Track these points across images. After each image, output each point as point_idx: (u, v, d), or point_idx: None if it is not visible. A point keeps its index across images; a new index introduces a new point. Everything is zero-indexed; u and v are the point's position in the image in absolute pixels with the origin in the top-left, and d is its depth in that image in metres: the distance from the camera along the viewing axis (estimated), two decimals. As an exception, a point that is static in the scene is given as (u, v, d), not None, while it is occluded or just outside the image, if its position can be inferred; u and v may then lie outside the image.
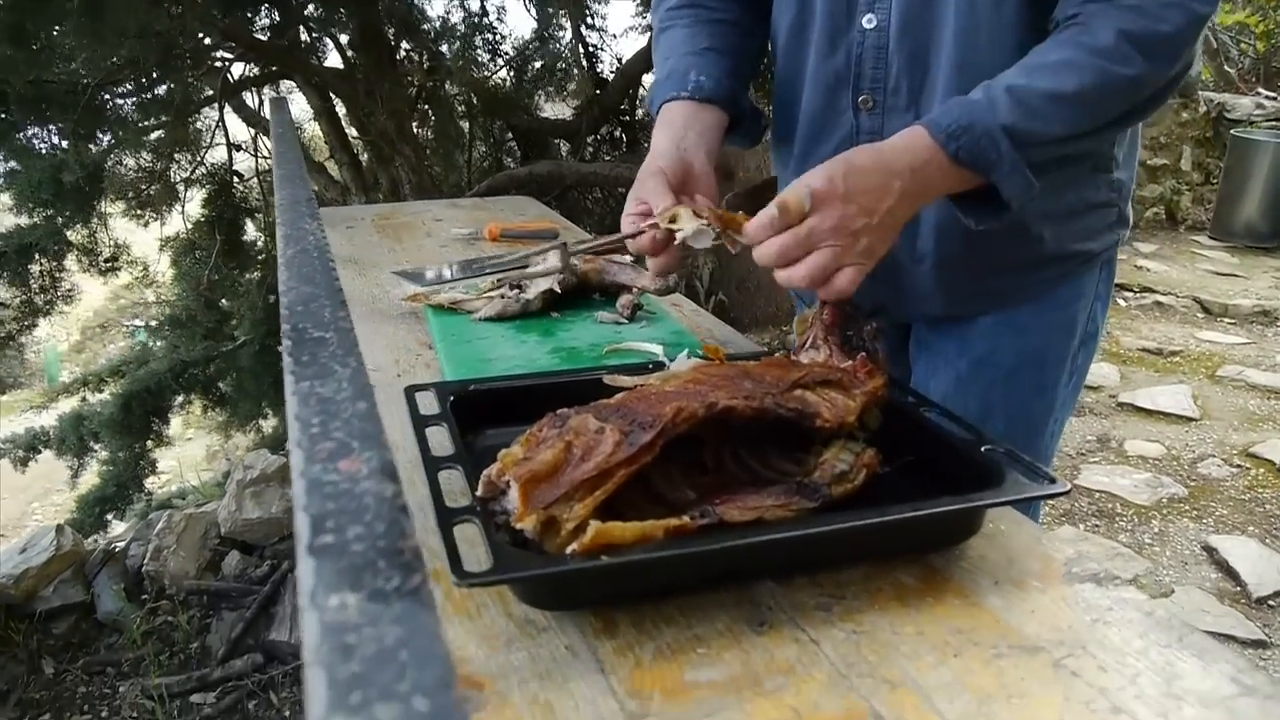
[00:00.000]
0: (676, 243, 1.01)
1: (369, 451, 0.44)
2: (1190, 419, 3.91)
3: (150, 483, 5.01)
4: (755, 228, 0.94)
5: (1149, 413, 3.97)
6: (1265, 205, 6.43)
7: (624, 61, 5.22)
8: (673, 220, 1.01)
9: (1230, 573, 2.89)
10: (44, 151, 4.13)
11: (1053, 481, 0.78)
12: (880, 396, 0.88)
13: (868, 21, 1.13)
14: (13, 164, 4.25)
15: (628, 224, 1.08)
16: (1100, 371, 4.38)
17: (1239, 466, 3.53)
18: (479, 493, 0.73)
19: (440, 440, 0.88)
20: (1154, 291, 5.49)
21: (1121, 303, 5.39)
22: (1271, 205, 6.41)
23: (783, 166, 1.31)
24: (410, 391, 0.96)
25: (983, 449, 0.84)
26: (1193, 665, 0.67)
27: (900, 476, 0.85)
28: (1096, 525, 3.17)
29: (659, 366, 1.01)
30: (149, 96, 3.99)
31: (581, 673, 0.66)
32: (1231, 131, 6.83)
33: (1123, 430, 3.83)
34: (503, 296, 1.39)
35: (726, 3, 1.28)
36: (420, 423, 0.89)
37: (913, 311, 1.31)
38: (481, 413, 0.96)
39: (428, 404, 0.94)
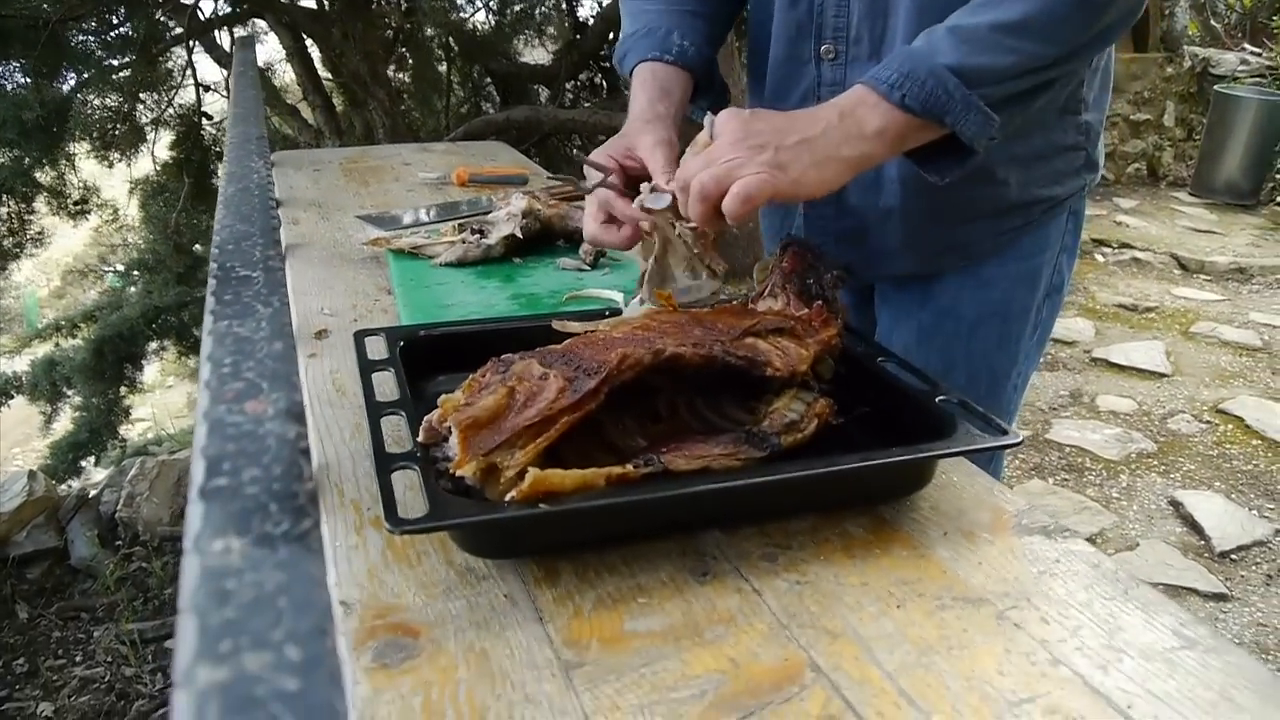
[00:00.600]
0: (635, 204, 0.98)
1: (277, 393, 0.42)
2: (1162, 375, 3.93)
3: (127, 430, 4.97)
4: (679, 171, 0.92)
5: (1122, 368, 3.99)
6: (1246, 162, 6.42)
7: (604, 6, 5.12)
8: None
9: (1195, 527, 2.93)
10: (7, 90, 4.02)
11: (1005, 433, 0.77)
12: (834, 346, 0.87)
13: None
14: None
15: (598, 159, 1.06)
16: (1075, 326, 4.39)
17: (1208, 423, 3.56)
18: (420, 439, 0.72)
19: (387, 386, 0.86)
20: (1132, 247, 5.50)
21: (1100, 258, 5.40)
22: (1252, 162, 6.41)
23: None
24: (359, 336, 0.94)
25: (937, 399, 0.83)
26: (1136, 618, 0.66)
27: (854, 427, 0.84)
28: (1065, 479, 3.20)
29: (615, 314, 0.99)
30: (114, 35, 3.88)
31: (519, 621, 0.65)
32: (1215, 87, 6.80)
33: (1095, 385, 3.85)
34: (464, 241, 1.37)
35: None
36: (367, 368, 0.87)
37: (881, 271, 1.29)
38: (432, 359, 0.95)
39: (377, 349, 0.92)
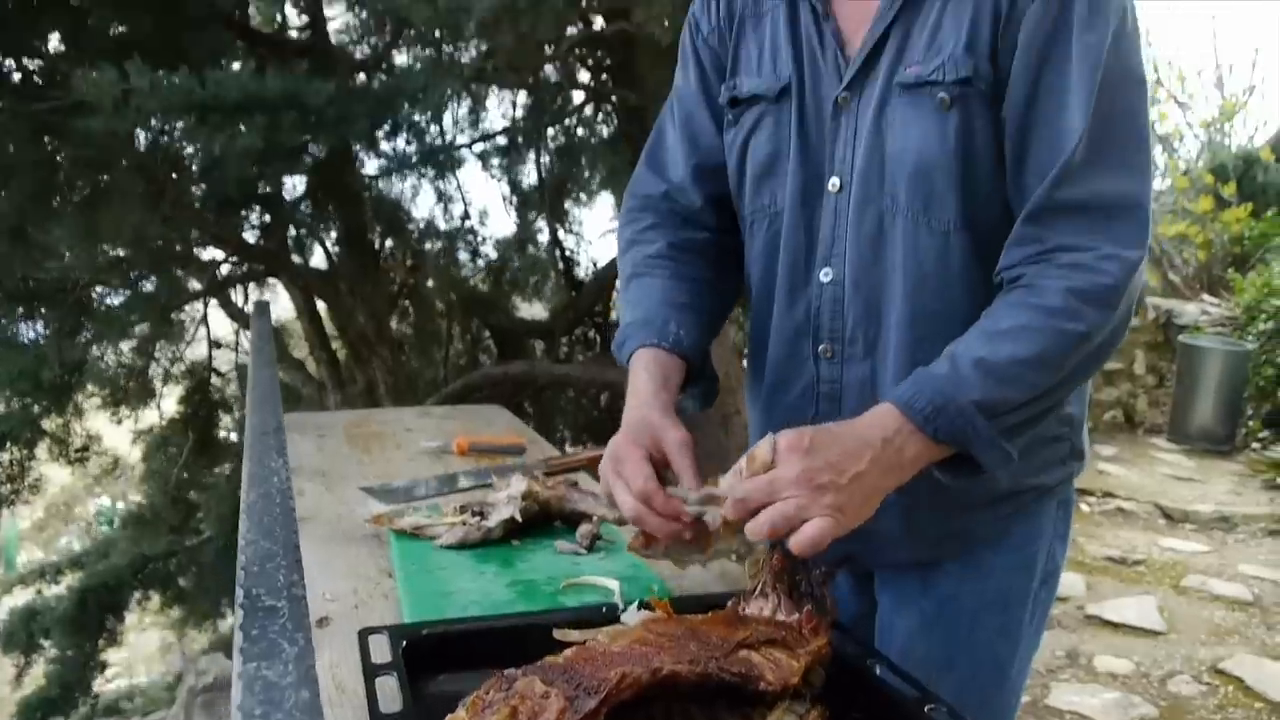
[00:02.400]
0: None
1: (308, 754, 0.46)
2: (1158, 633, 3.89)
3: (98, 683, 4.82)
4: (727, 481, 0.97)
5: (1116, 626, 3.95)
6: (1218, 410, 6.61)
7: (599, 266, 5.45)
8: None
9: (1207, 797, 2.82)
10: (26, 343, 4.20)
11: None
12: (824, 656, 0.91)
13: (824, 275, 1.18)
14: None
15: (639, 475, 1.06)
16: (1066, 580, 4.36)
17: (1208, 684, 3.49)
18: (425, 760, 0.74)
19: (390, 691, 0.89)
20: (1115, 496, 5.57)
21: (1085, 508, 5.45)
22: (1224, 410, 6.60)
23: (753, 404, 1.35)
24: (363, 635, 0.97)
25: (927, 709, 0.86)
26: None
27: (846, 734, 0.87)
28: (1069, 746, 3.10)
29: (611, 610, 1.04)
30: (136, 293, 4.10)
31: None
32: (1180, 337, 7.11)
33: (1091, 645, 3.80)
34: (464, 524, 1.42)
35: (701, 261, 1.32)
36: (371, 672, 0.90)
37: (882, 560, 1.31)
38: (435, 657, 0.98)
39: (380, 650, 0.95)
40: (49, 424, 4.66)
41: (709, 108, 1.31)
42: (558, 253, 5.48)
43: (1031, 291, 1.03)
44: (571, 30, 4.03)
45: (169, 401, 4.59)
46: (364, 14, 3.40)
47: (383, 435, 2.36)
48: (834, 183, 1.16)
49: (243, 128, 2.82)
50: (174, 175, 3.69)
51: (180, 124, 3.01)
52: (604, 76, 4.87)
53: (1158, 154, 10.30)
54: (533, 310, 5.74)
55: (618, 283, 1.40)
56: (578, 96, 5.20)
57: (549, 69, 4.24)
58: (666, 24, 2.53)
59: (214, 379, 4.60)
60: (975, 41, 1.06)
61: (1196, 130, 10.16)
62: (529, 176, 5.47)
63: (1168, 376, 7.36)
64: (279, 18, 4.12)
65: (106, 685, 5.31)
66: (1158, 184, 9.82)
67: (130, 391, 4.25)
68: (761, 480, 0.96)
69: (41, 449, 4.78)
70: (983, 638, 1.27)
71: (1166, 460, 6.43)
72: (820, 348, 1.21)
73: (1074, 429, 1.26)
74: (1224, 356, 6.64)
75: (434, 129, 4.36)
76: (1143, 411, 7.38)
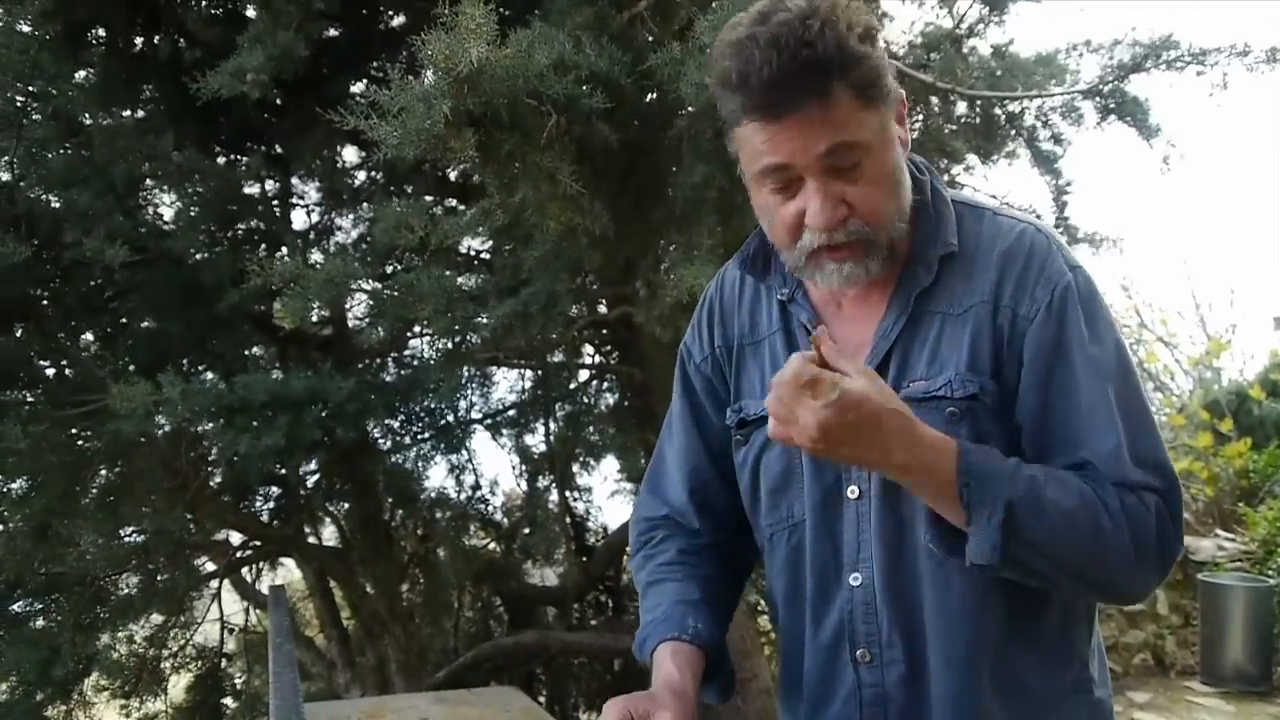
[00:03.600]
0: None
1: None
2: None
3: None
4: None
5: None
6: (1249, 649, 6.43)
7: (609, 532, 5.51)
8: None
9: None
10: (37, 633, 4.19)
11: None
12: None
13: (854, 580, 1.20)
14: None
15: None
16: (1115, 845, 4.12)
17: None
18: None
19: None
20: (1157, 748, 5.32)
21: (1126, 762, 5.20)
22: (1255, 648, 6.41)
23: (791, 717, 1.34)
24: None
25: None
26: None
27: None
28: None
29: None
30: (152, 582, 4.15)
31: None
32: (1199, 575, 7.02)
33: None
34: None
35: (709, 563, 1.36)
36: None
37: None
38: None
39: None
40: (52, 712, 4.56)
41: (701, 434, 1.37)
42: (568, 519, 5.55)
43: (1096, 484, 1.09)
44: (575, 310, 4.31)
45: (177, 689, 4.52)
46: (380, 311, 3.65)
47: (397, 728, 2.36)
48: (853, 490, 1.20)
49: (268, 425, 2.99)
50: (197, 469, 3.84)
51: (208, 425, 3.18)
52: (609, 349, 5.15)
53: (1150, 391, 10.56)
54: (544, 576, 5.74)
55: (638, 592, 1.43)
56: (584, 373, 5.46)
57: (556, 352, 4.51)
58: (662, 323, 2.75)
59: (223, 664, 4.55)
60: (977, 360, 1.14)
61: (1186, 368, 10.44)
62: (538, 445, 5.65)
63: (1192, 615, 7.20)
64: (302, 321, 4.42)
65: None
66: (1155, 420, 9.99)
67: (140, 681, 4.21)
68: (797, 406, 1.03)
69: (41, 738, 4.65)
70: None
71: (1204, 705, 6.19)
72: (859, 653, 1.21)
73: (1101, 713, 1.25)
74: (1247, 594, 6.53)
75: (448, 412, 4.58)
76: (1172, 652, 7.16)
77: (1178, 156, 3.80)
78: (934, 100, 4.71)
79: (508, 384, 5.70)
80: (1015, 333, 1.14)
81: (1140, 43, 3.65)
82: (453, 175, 4.71)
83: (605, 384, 5.67)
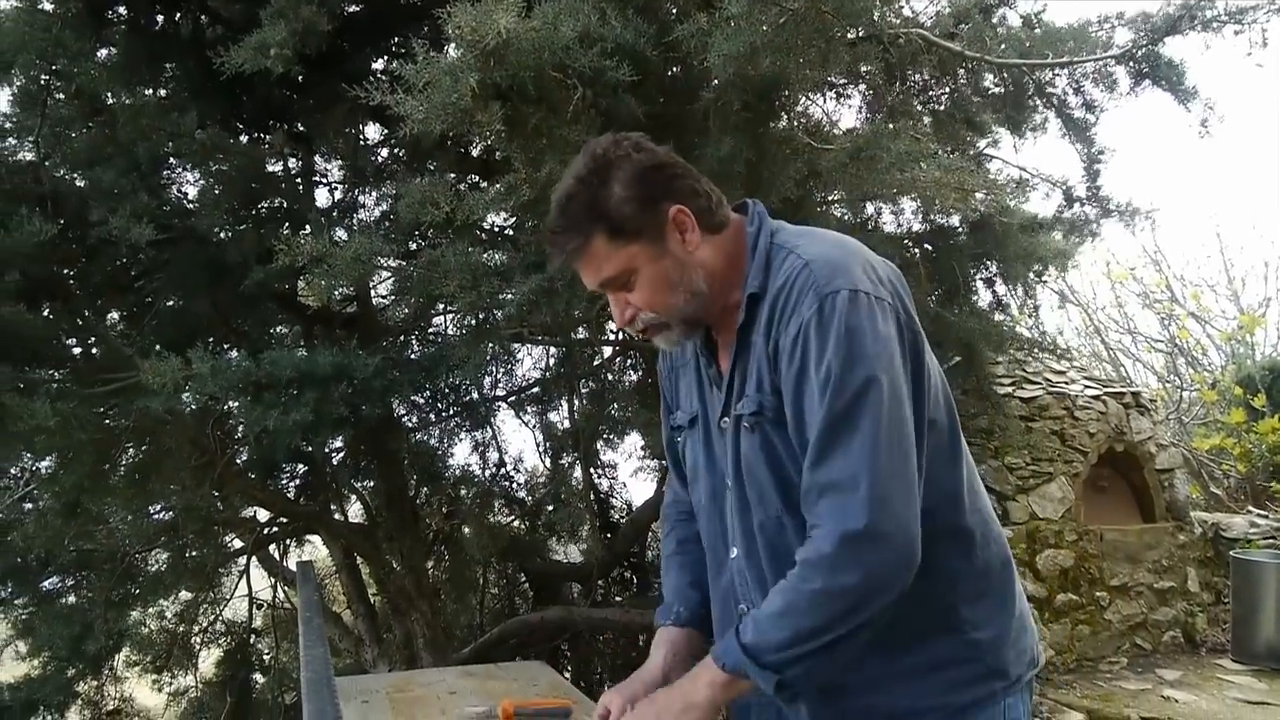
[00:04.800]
0: None
1: None
2: None
3: None
4: None
5: None
6: (1281, 626, 6.36)
7: (634, 509, 5.50)
8: None
9: None
10: (69, 608, 4.24)
11: None
12: None
13: (732, 553, 1.58)
14: (34, 616, 4.35)
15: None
16: (1145, 823, 4.09)
17: None
18: None
19: None
20: (1187, 725, 5.28)
21: (1155, 739, 5.16)
22: (1289, 626, 6.34)
23: None
24: None
25: None
26: None
27: None
28: None
29: None
30: (181, 558, 4.18)
31: None
32: (1231, 553, 6.94)
33: None
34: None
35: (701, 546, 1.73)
36: None
37: None
38: None
39: None
40: (83, 687, 4.62)
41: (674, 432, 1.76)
42: (592, 496, 5.55)
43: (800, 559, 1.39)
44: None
45: (207, 664, 4.56)
46: (406, 287, 3.64)
47: (426, 700, 2.37)
48: (727, 480, 1.57)
49: (294, 401, 2.99)
50: (224, 447, 3.86)
51: (235, 403, 3.19)
52: (632, 327, 5.10)
53: (1182, 367, 10.44)
54: (568, 554, 5.75)
55: None
56: (607, 350, 5.44)
57: (580, 329, 4.48)
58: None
59: (252, 639, 4.58)
60: (761, 384, 1.46)
61: (1219, 343, 10.32)
62: (562, 422, 5.64)
63: (1224, 592, 7.14)
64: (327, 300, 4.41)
65: None
66: (1185, 396, 9.90)
67: (171, 656, 4.25)
68: None
69: (72, 712, 4.72)
70: None
71: (1235, 682, 6.13)
72: (739, 607, 1.58)
73: (984, 651, 1.48)
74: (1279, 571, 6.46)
75: (473, 389, 4.56)
76: (1203, 630, 7.10)
77: (1216, 119, 3.71)
78: (961, 73, 4.63)
79: (531, 361, 5.70)
80: (779, 359, 1.43)
81: (1175, 3, 3.55)
82: (475, 152, 4.68)
83: (629, 361, 5.65)
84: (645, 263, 1.48)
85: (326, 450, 4.35)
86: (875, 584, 1.34)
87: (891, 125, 3.68)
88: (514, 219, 4.44)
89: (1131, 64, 3.91)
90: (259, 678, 4.75)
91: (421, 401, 4.43)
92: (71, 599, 4.32)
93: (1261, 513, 8.03)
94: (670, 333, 1.55)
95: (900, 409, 1.36)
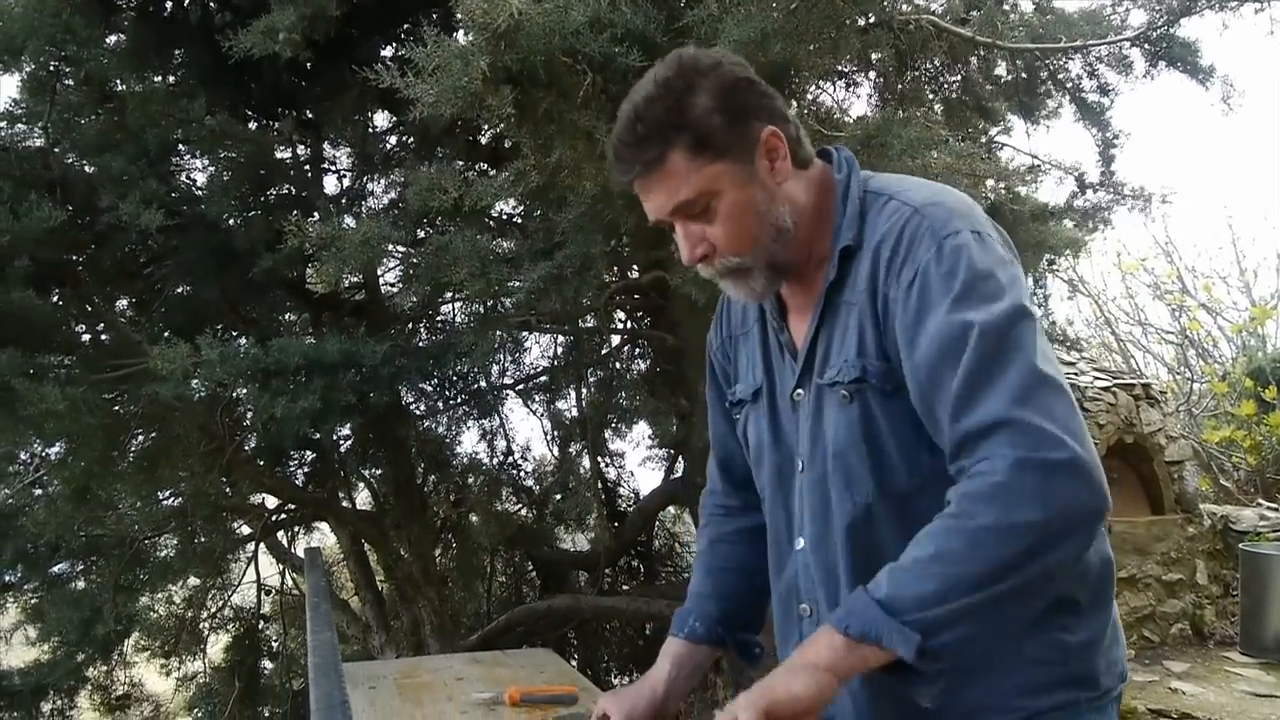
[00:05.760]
0: None
1: None
2: None
3: None
4: None
5: None
6: (1291, 619, 6.34)
7: (641, 498, 5.50)
8: None
9: None
10: (79, 593, 4.26)
11: None
12: None
13: (798, 544, 1.38)
14: (44, 601, 4.37)
15: None
16: (1153, 814, 4.09)
17: None
18: None
19: None
20: (1193, 718, 5.27)
21: (1162, 732, 5.16)
22: (1297, 619, 6.32)
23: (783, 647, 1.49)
24: None
25: None
26: None
27: None
28: None
29: None
30: (190, 544, 4.20)
31: None
32: (1241, 545, 6.92)
33: None
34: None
35: (734, 551, 1.59)
36: None
37: None
38: None
39: None
40: (92, 672, 4.65)
41: (723, 411, 1.58)
42: (599, 484, 5.56)
43: (945, 505, 1.15)
44: (609, 278, 4.28)
45: (215, 649, 4.59)
46: (416, 275, 3.64)
47: (433, 686, 2.36)
48: (798, 463, 1.38)
49: (303, 388, 2.99)
50: (232, 434, 3.87)
51: (244, 390, 3.19)
52: (641, 315, 5.12)
53: (1192, 359, 10.39)
54: (575, 542, 5.76)
55: None
56: (616, 338, 5.44)
57: (589, 316, 4.48)
58: (698, 284, 2.71)
59: (260, 625, 4.61)
60: (863, 345, 1.26)
61: (1230, 335, 10.27)
62: (570, 410, 5.65)
63: (1232, 585, 7.11)
64: (336, 284, 4.42)
65: None
66: (1194, 388, 9.86)
67: (180, 641, 4.27)
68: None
69: (82, 697, 4.75)
70: None
71: (1244, 675, 6.11)
72: (801, 607, 1.40)
73: (1071, 654, 1.28)
74: (1289, 563, 6.43)
75: (480, 377, 4.57)
76: (1211, 622, 7.08)
77: (1237, 96, 3.67)
78: (973, 59, 4.60)
79: (540, 349, 5.71)
80: (889, 314, 1.24)
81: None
82: (484, 140, 4.67)
83: (637, 350, 5.64)
84: (730, 186, 1.26)
85: (334, 438, 4.36)
86: (1064, 523, 1.09)
87: (902, 112, 3.66)
88: (522, 206, 4.44)
89: (1147, 45, 3.86)
90: (267, 664, 4.77)
91: (429, 389, 4.43)
92: (81, 584, 4.34)
93: (1272, 505, 8.00)
94: (751, 279, 1.32)
95: (1047, 343, 1.18)
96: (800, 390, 1.36)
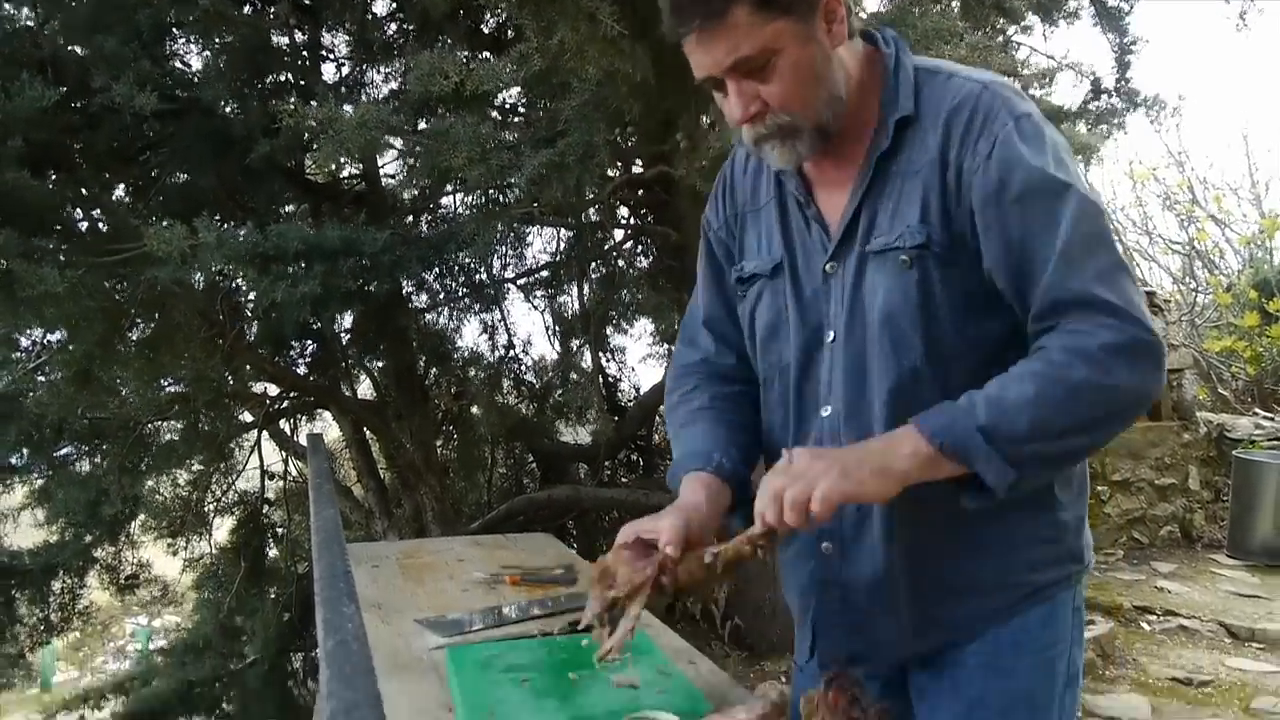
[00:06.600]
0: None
1: None
2: (1232, 758, 3.74)
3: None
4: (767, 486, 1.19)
5: (1187, 751, 3.80)
6: (1278, 524, 6.45)
7: (641, 392, 5.53)
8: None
9: None
10: (86, 478, 4.33)
11: None
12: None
13: (824, 411, 1.38)
14: (51, 483, 4.44)
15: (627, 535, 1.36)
16: (1130, 703, 4.23)
17: (1288, 813, 3.34)
18: None
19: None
20: (1177, 615, 5.41)
21: (1145, 627, 5.30)
22: (1284, 524, 6.43)
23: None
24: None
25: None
26: None
27: None
28: None
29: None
30: (194, 428, 4.24)
31: None
32: (1234, 453, 6.99)
33: (1162, 771, 3.66)
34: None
35: (738, 410, 1.52)
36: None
37: (888, 657, 1.43)
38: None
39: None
40: (101, 553, 4.75)
41: (721, 292, 1.56)
42: (600, 379, 5.58)
43: (1040, 351, 1.21)
44: (613, 172, 4.22)
45: (220, 532, 4.68)
46: (416, 164, 3.59)
47: (435, 566, 2.41)
48: (830, 334, 1.37)
49: (303, 274, 2.97)
50: (232, 321, 3.86)
51: (243, 275, 3.17)
52: (644, 211, 5.06)
53: (1198, 270, 10.33)
54: (576, 435, 5.81)
55: (669, 436, 1.61)
56: (619, 233, 5.39)
57: (591, 210, 4.43)
58: (703, 175, 2.67)
59: (264, 508, 4.69)
60: (927, 214, 1.27)
61: (1237, 247, 10.19)
62: (572, 306, 5.64)
63: (1223, 491, 7.22)
64: (334, 168, 4.36)
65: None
66: (1199, 299, 9.82)
67: (185, 522, 4.35)
68: (780, 474, 1.19)
69: (92, 576, 4.86)
70: None
71: (1228, 576, 6.25)
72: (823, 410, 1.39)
73: (1067, 532, 1.40)
74: (1280, 471, 6.51)
75: (482, 269, 4.54)
76: (1200, 527, 7.21)
77: (1256, 11, 3.57)
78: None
79: (542, 243, 5.67)
80: (962, 185, 1.25)
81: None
82: (486, 29, 4.56)
83: (640, 246, 5.60)
84: (791, 44, 1.25)
85: (336, 327, 4.36)
86: (1136, 398, 1.21)
87: (918, 9, 3.56)
88: (525, 97, 4.35)
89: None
90: (273, 548, 4.88)
91: (430, 279, 4.41)
92: (86, 466, 4.40)
93: (1267, 415, 8.06)
94: (798, 141, 1.31)
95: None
96: (834, 262, 1.36)
